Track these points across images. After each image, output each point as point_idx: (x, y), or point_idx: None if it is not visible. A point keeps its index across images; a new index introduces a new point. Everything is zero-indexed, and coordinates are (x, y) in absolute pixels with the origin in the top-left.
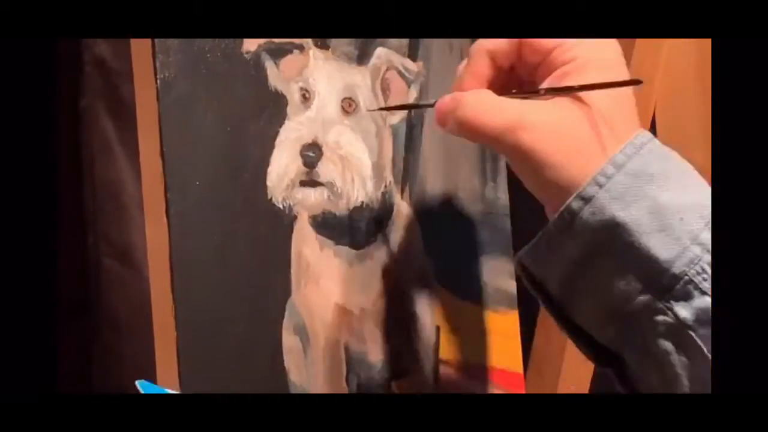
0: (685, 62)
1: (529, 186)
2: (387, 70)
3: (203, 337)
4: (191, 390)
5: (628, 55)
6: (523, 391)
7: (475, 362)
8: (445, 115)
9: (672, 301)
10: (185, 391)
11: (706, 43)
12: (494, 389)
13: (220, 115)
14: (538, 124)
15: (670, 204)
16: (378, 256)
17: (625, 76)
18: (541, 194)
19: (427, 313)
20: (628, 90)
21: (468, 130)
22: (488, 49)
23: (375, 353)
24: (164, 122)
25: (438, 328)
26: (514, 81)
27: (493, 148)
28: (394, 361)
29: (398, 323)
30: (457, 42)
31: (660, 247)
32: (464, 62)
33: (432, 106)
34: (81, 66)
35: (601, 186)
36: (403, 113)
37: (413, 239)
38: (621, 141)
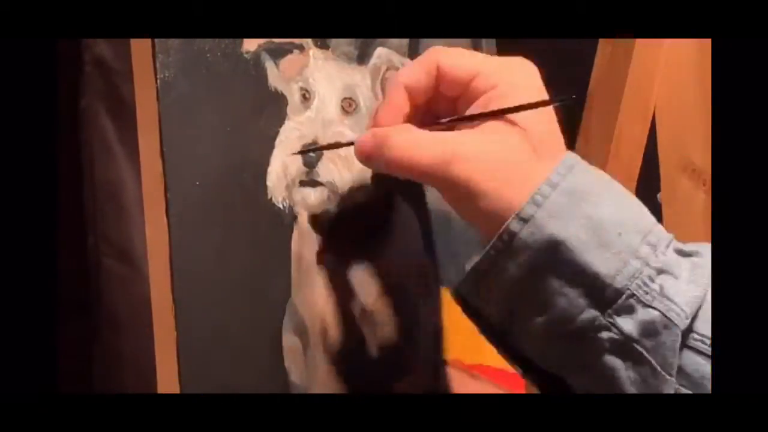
0: (685, 62)
1: (464, 216)
2: (387, 70)
3: (203, 337)
4: (191, 390)
5: (628, 55)
6: (523, 391)
7: (475, 362)
8: (370, 154)
9: (615, 316)
10: (185, 391)
11: (706, 43)
12: (494, 389)
13: (220, 115)
14: (470, 154)
15: (607, 220)
16: (378, 256)
17: (544, 96)
18: (477, 222)
19: (427, 313)
20: (552, 112)
21: (398, 168)
22: (405, 83)
23: (375, 353)
24: (164, 122)
25: (438, 328)
26: (431, 116)
27: (425, 182)
28: (394, 361)
29: (398, 323)
30: (457, 42)
31: (600, 263)
32: (380, 101)
33: (351, 144)
34: (81, 66)
35: (538, 206)
36: None
37: (413, 239)
38: (551, 163)
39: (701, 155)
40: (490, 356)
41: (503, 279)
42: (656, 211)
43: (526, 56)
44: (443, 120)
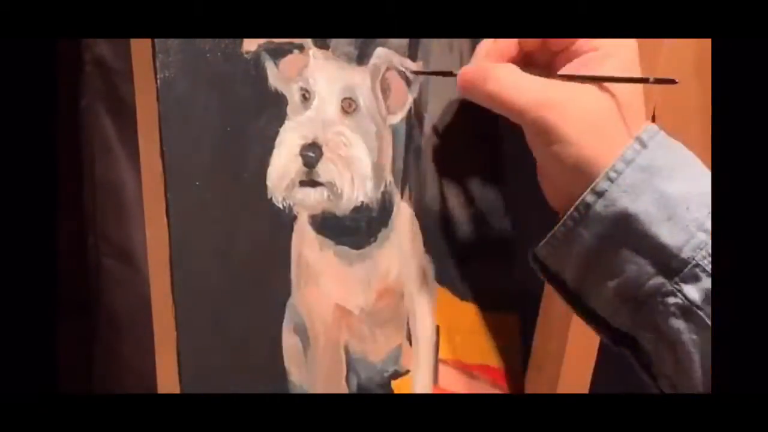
0: (685, 62)
1: (544, 163)
2: (387, 69)
3: (203, 337)
4: (191, 390)
5: None
6: (523, 391)
7: (475, 362)
8: (472, 84)
9: (681, 284)
10: (185, 391)
11: (706, 43)
12: (494, 389)
13: (220, 115)
14: (563, 103)
15: (676, 195)
16: (378, 256)
17: (638, 70)
18: (553, 171)
19: (427, 313)
20: (640, 87)
21: (495, 102)
22: None
23: (375, 353)
24: (164, 122)
25: (438, 328)
26: (531, 63)
27: (517, 121)
28: (394, 361)
29: (398, 323)
30: (457, 42)
31: (669, 235)
32: (487, 41)
33: (453, 75)
34: (81, 66)
35: (612, 181)
36: (404, 114)
37: (413, 239)
38: (632, 132)
39: (701, 155)
40: (490, 356)
41: (578, 246)
42: None
43: None
44: (542, 73)
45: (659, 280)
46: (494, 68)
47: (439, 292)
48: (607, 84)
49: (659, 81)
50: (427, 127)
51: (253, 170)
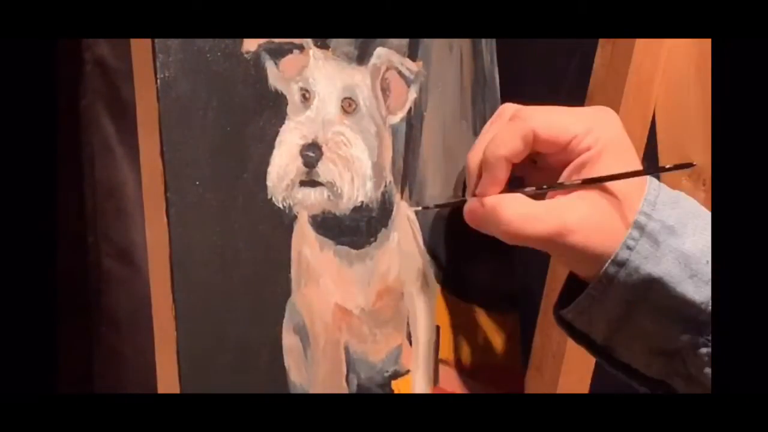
0: (685, 62)
1: (567, 265)
2: (387, 69)
3: (203, 337)
4: (191, 390)
5: (628, 55)
6: (523, 391)
7: (475, 362)
8: (482, 222)
9: (709, 338)
10: (185, 391)
11: (706, 43)
12: (494, 389)
13: (220, 115)
14: (579, 223)
15: (694, 251)
16: (378, 256)
17: (630, 148)
18: (582, 269)
19: (427, 313)
20: (634, 154)
21: (513, 239)
22: (506, 156)
23: (375, 353)
24: (164, 122)
25: (438, 328)
26: (526, 171)
27: (537, 248)
28: (394, 361)
29: (398, 323)
30: (456, 42)
31: (694, 292)
32: (475, 156)
33: (462, 204)
34: (81, 66)
35: (631, 249)
36: (404, 114)
37: (413, 239)
38: (636, 202)
39: (701, 155)
40: (490, 356)
41: (605, 311)
42: None
43: (526, 56)
44: (545, 186)
45: (689, 335)
46: (502, 204)
47: (439, 292)
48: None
49: (677, 167)
50: (427, 127)
51: (253, 170)
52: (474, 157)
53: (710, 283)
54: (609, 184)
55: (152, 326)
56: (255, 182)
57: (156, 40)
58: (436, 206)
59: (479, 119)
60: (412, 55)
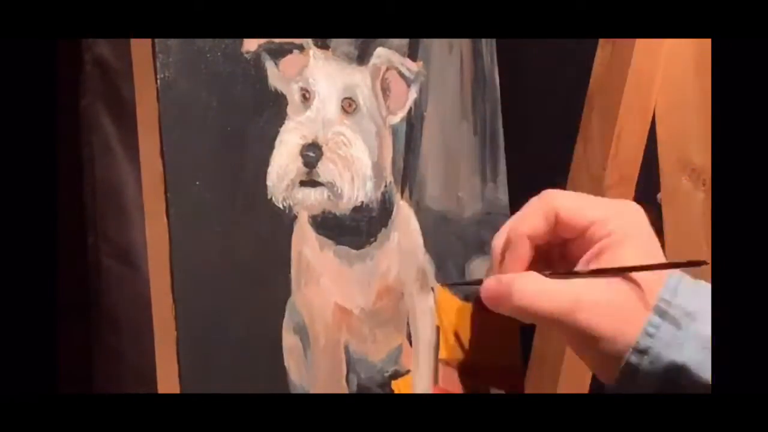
0: (685, 62)
1: (582, 356)
2: (387, 69)
3: (203, 337)
4: (191, 390)
5: (628, 55)
6: (523, 391)
7: (475, 362)
8: (498, 300)
9: None
10: (185, 391)
11: (706, 43)
12: (494, 389)
13: (220, 115)
14: (591, 303)
15: None
16: (378, 256)
17: (655, 242)
18: (595, 363)
19: (427, 313)
20: (657, 244)
21: (524, 315)
22: (528, 234)
23: (375, 353)
24: (164, 122)
25: (438, 328)
26: (547, 257)
27: (549, 327)
28: (394, 361)
29: (398, 323)
30: (457, 42)
31: None
32: (500, 239)
33: (479, 283)
34: (81, 66)
35: (652, 336)
36: (404, 113)
37: (413, 239)
38: (656, 289)
39: (701, 155)
40: (490, 356)
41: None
42: (656, 211)
43: (527, 56)
44: (563, 271)
45: None
46: (517, 281)
47: (439, 292)
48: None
49: (689, 264)
50: (427, 127)
51: (253, 170)
52: (498, 239)
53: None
54: (633, 281)
55: (152, 326)
56: (255, 182)
57: (156, 40)
58: (456, 284)
59: (479, 119)
60: (413, 55)
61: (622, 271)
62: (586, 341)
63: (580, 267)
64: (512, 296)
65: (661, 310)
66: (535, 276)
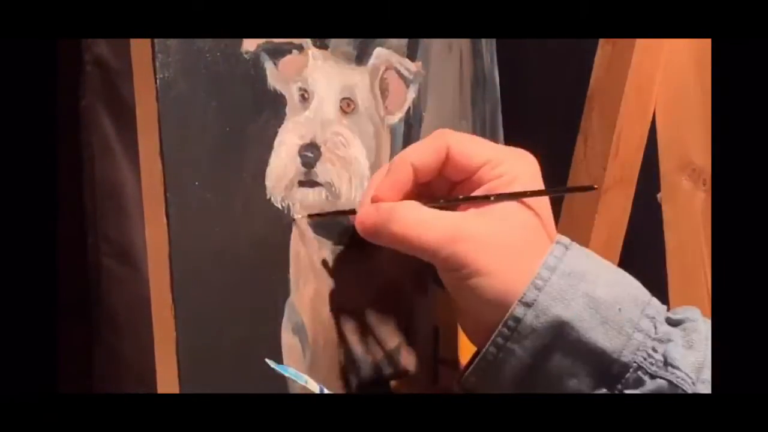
0: (685, 62)
1: (462, 298)
2: (386, 70)
3: (203, 337)
4: (191, 390)
5: (628, 55)
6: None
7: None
8: (374, 227)
9: (624, 391)
10: (185, 391)
11: (706, 43)
12: None
13: (219, 115)
14: (475, 233)
15: (606, 298)
16: (377, 256)
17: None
18: (477, 306)
19: (427, 313)
20: (547, 201)
21: (402, 243)
22: (413, 162)
23: (375, 353)
24: (164, 122)
25: (437, 328)
26: (428, 196)
27: (428, 259)
28: (394, 361)
29: (398, 323)
30: (456, 42)
31: (605, 340)
32: (381, 171)
33: (353, 213)
34: (81, 66)
35: (539, 289)
36: (402, 114)
37: None
38: (546, 247)
39: (701, 155)
40: None
41: (511, 367)
42: (656, 211)
43: (527, 56)
44: (444, 200)
45: (602, 390)
46: (398, 208)
47: (439, 292)
48: (514, 208)
49: (577, 189)
50: (426, 128)
51: (253, 170)
52: (379, 171)
53: (622, 333)
54: (519, 223)
55: (152, 326)
56: (254, 182)
57: (156, 40)
58: (321, 215)
59: (479, 119)
60: (412, 56)
61: (506, 198)
62: (467, 277)
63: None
64: (391, 224)
65: (550, 266)
66: (416, 204)
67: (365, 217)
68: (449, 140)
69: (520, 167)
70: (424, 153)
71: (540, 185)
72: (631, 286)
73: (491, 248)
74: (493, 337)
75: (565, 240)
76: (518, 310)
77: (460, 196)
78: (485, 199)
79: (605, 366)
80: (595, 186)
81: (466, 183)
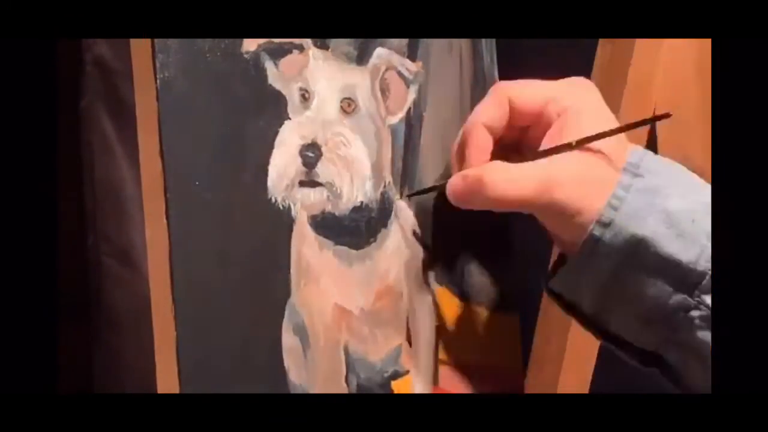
0: (685, 62)
1: (557, 230)
2: (386, 70)
3: (203, 337)
4: (191, 390)
5: (628, 55)
6: (523, 391)
7: (475, 362)
8: (466, 196)
9: (702, 295)
10: (185, 391)
11: (706, 43)
12: (494, 389)
13: (220, 116)
14: (564, 178)
15: (680, 210)
16: (378, 256)
17: (608, 110)
18: (571, 234)
19: (427, 313)
20: (614, 121)
21: (500, 204)
22: (484, 123)
23: (375, 353)
24: (164, 122)
25: (438, 328)
26: (508, 148)
27: (527, 211)
28: (394, 361)
29: (398, 323)
30: (456, 42)
31: (681, 252)
32: (457, 140)
33: (442, 188)
34: (81, 66)
35: (616, 209)
36: (403, 114)
37: (412, 239)
38: (620, 163)
39: (701, 155)
40: (490, 356)
41: (592, 278)
42: None
43: (526, 56)
44: (530, 154)
45: (680, 296)
46: (486, 172)
47: (439, 292)
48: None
49: (651, 120)
50: (427, 128)
51: (253, 170)
52: (455, 143)
53: (697, 244)
54: (592, 145)
55: (152, 326)
56: (255, 182)
57: (156, 40)
58: (420, 192)
59: None
60: (412, 56)
61: (586, 141)
62: (565, 216)
63: (543, 148)
64: (485, 188)
65: (625, 184)
66: (500, 164)
67: (457, 188)
68: (508, 92)
69: (582, 96)
70: (490, 110)
71: (604, 108)
72: (704, 195)
73: (584, 185)
74: (574, 255)
75: (638, 156)
76: (597, 230)
77: (544, 149)
78: (568, 146)
79: (683, 275)
80: (671, 113)
81: (535, 126)
